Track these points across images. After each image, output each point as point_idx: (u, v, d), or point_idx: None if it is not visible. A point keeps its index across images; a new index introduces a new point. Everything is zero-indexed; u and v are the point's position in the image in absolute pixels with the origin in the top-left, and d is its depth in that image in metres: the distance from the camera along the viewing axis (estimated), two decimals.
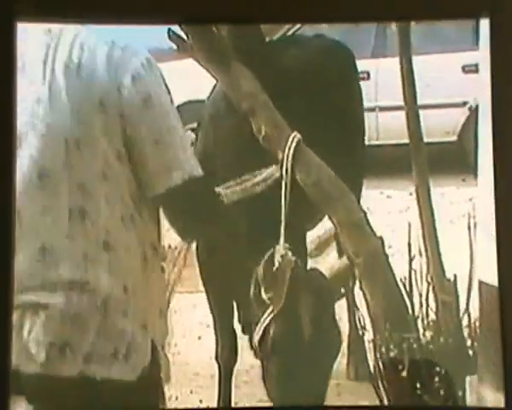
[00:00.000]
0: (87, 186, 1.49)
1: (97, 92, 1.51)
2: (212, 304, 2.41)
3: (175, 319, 2.18)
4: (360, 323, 2.58)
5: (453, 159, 3.52)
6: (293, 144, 2.21)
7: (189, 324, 2.31)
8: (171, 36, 2.29)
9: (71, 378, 1.48)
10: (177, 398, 2.33)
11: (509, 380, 1.55)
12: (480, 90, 2.33)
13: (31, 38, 1.57)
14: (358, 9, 1.63)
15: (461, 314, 2.42)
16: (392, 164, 2.94)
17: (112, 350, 1.49)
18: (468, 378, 2.27)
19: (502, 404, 2.15)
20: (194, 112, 2.67)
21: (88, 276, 1.48)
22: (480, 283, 2.28)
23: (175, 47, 2.34)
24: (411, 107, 2.52)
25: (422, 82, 2.56)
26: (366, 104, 2.63)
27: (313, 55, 2.53)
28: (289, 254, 2.05)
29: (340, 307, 2.85)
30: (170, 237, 1.76)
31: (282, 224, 2.12)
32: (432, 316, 2.43)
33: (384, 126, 3.13)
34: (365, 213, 2.41)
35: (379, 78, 2.98)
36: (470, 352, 2.39)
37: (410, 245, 2.45)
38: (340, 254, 2.47)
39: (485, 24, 2.28)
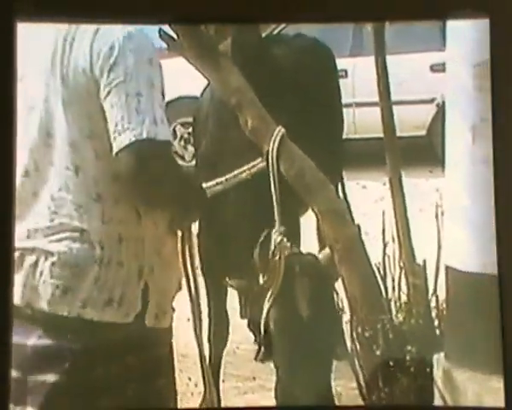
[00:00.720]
0: (77, 144, 1.56)
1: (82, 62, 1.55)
2: (208, 289, 2.45)
3: None
4: (338, 305, 2.59)
5: (423, 152, 3.60)
6: (278, 138, 2.24)
7: (179, 307, 2.34)
8: (162, 35, 2.30)
9: (71, 318, 1.58)
10: None
11: (509, 380, 1.54)
12: (446, 88, 2.40)
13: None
14: (350, 9, 1.63)
15: (429, 296, 2.47)
16: (368, 156, 3.00)
17: (106, 298, 1.57)
18: (435, 356, 2.33)
19: (466, 379, 2.21)
20: (185, 107, 2.70)
21: (84, 225, 1.56)
22: (447, 267, 2.34)
23: (165, 46, 2.35)
24: (385, 103, 2.58)
25: (395, 80, 2.60)
26: (344, 100, 2.70)
27: (296, 53, 2.58)
28: (284, 239, 2.08)
29: None
30: None
31: (275, 209, 2.15)
32: (403, 298, 2.48)
33: (360, 121, 3.19)
34: (348, 203, 2.48)
35: (356, 76, 3.02)
36: (437, 331, 2.45)
37: (384, 232, 2.50)
38: (321, 243, 2.55)
39: (452, 25, 2.28)
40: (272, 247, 2.06)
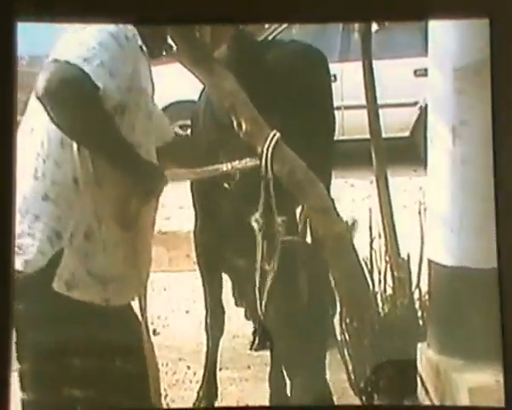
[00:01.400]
0: None
1: None
2: (205, 280, 2.47)
3: (164, 295, 2.26)
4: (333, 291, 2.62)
5: (407, 152, 3.64)
6: (273, 142, 2.23)
7: (178, 300, 2.39)
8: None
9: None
10: (167, 364, 2.44)
11: (509, 380, 1.52)
12: (428, 92, 2.45)
13: None
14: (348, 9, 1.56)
15: (413, 289, 2.51)
16: (355, 157, 3.03)
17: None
18: (419, 345, 2.38)
19: (447, 366, 2.23)
20: (183, 110, 2.74)
21: None
22: (429, 261, 2.40)
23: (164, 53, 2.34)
24: (372, 106, 2.62)
25: (380, 84, 2.64)
26: (333, 103, 2.69)
27: (290, 57, 2.59)
28: (260, 219, 2.08)
29: None
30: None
31: (273, 203, 2.15)
32: (389, 291, 2.52)
33: (348, 123, 3.24)
34: (333, 200, 2.43)
35: (344, 80, 3.07)
36: (421, 322, 2.49)
37: (370, 228, 2.53)
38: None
39: (433, 31, 2.32)
40: (269, 231, 2.10)
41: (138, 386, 1.70)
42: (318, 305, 2.17)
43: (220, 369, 2.64)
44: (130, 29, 1.68)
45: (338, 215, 2.42)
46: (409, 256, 2.50)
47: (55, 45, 1.67)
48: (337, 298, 2.46)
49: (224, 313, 2.58)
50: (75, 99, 1.55)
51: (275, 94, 2.40)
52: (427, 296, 2.46)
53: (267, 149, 2.23)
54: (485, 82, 2.17)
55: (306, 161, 2.34)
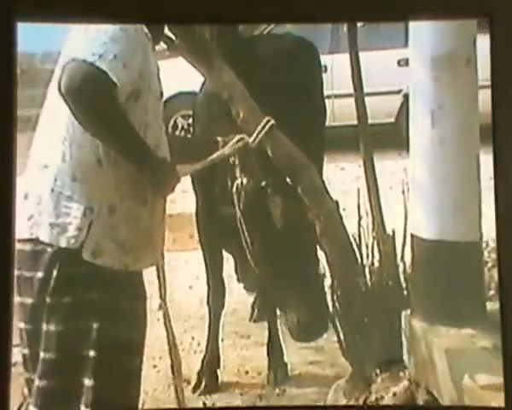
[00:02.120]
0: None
1: None
2: (207, 258, 2.56)
3: (169, 273, 2.35)
4: (320, 271, 2.67)
5: (392, 137, 3.70)
6: (267, 126, 2.32)
7: (182, 276, 2.48)
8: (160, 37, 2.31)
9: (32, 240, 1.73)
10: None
11: (509, 380, 1.51)
12: (410, 80, 2.52)
13: None
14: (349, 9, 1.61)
15: (398, 262, 2.58)
16: (345, 142, 3.09)
17: (52, 222, 1.69)
18: (403, 313, 2.48)
19: (428, 332, 2.30)
20: (184, 101, 2.80)
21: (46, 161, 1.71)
22: (412, 236, 2.51)
23: (165, 47, 2.44)
24: (359, 94, 2.65)
25: (367, 74, 2.67)
26: (324, 92, 2.77)
27: (284, 50, 2.67)
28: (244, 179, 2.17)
29: None
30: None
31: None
32: (376, 264, 2.58)
33: (338, 111, 3.30)
34: (324, 182, 2.55)
35: (334, 70, 3.11)
36: (405, 292, 2.57)
37: (359, 207, 2.60)
38: None
39: (413, 23, 2.39)
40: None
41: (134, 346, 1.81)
42: (295, 231, 2.25)
43: (222, 339, 2.74)
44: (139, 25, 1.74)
45: (329, 195, 2.55)
46: (394, 232, 2.58)
47: (68, 42, 1.74)
48: (327, 273, 2.57)
49: (224, 288, 2.69)
50: (94, 97, 1.64)
51: (270, 84, 2.48)
52: (410, 269, 2.55)
53: (259, 132, 2.30)
54: (458, 69, 2.34)
55: (300, 146, 2.45)
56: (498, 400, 1.86)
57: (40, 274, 1.71)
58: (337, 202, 2.52)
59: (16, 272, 1.74)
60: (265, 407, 2.53)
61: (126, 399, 1.79)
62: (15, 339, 1.73)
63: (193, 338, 2.78)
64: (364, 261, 2.58)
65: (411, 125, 2.47)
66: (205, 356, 2.68)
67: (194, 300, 2.37)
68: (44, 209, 1.71)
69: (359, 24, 2.74)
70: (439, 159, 2.35)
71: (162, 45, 2.41)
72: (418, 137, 2.42)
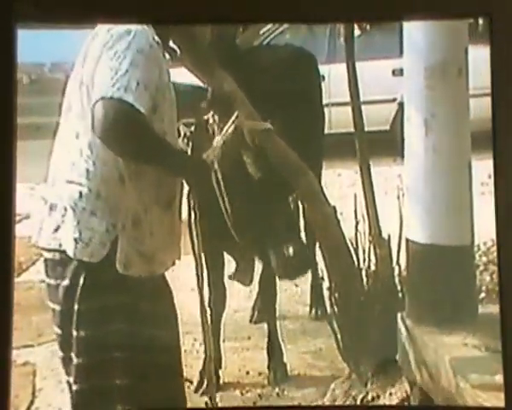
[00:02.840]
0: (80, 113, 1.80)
1: None
2: (208, 263, 2.47)
3: (172, 275, 2.38)
4: (319, 274, 2.83)
5: (387, 144, 3.73)
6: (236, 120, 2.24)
7: (184, 279, 2.52)
8: (166, 48, 2.21)
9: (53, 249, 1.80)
10: None
11: (509, 380, 1.42)
12: (404, 89, 2.57)
13: None
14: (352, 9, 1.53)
15: (393, 265, 2.62)
16: (342, 149, 3.10)
17: (76, 237, 1.76)
18: (399, 314, 2.51)
19: (423, 333, 2.32)
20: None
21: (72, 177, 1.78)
22: (407, 240, 2.54)
23: (168, 57, 2.38)
24: (355, 103, 2.69)
25: (363, 83, 2.72)
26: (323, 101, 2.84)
27: (284, 59, 2.72)
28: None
29: None
30: None
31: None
32: (372, 267, 2.62)
33: (335, 119, 3.34)
34: (322, 188, 2.61)
35: (331, 80, 3.16)
36: (400, 294, 2.62)
37: (355, 212, 2.64)
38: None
39: (408, 33, 2.44)
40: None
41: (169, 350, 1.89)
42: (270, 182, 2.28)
43: (224, 340, 2.79)
44: (150, 32, 1.81)
45: (326, 200, 2.58)
46: (389, 236, 2.61)
47: (88, 69, 1.79)
48: (325, 276, 2.62)
49: (225, 290, 2.73)
50: (127, 132, 1.72)
51: (270, 92, 2.50)
52: (405, 272, 2.59)
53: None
54: (450, 78, 2.38)
55: (299, 153, 2.46)
56: (492, 399, 1.90)
57: (66, 282, 1.78)
58: (334, 207, 2.55)
59: (46, 280, 1.82)
60: (265, 407, 2.55)
61: (167, 395, 1.85)
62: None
63: (195, 340, 2.81)
64: (361, 265, 2.61)
65: (406, 132, 2.51)
66: (206, 357, 2.56)
67: (196, 302, 2.39)
68: (69, 224, 1.77)
69: (356, 33, 2.79)
70: (432, 166, 2.39)
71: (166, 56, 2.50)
72: (412, 145, 2.46)
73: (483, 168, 2.11)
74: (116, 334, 1.78)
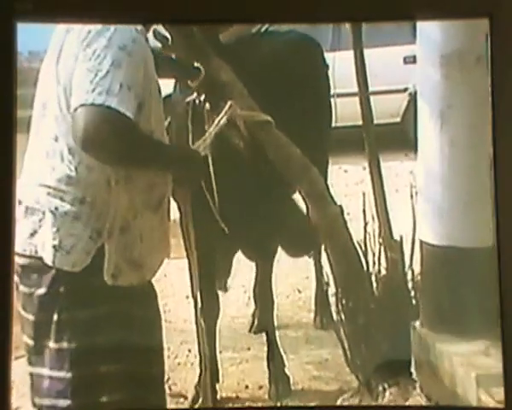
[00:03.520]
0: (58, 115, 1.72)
1: None
2: (197, 269, 2.35)
3: (165, 281, 2.29)
4: (324, 279, 2.70)
5: (397, 137, 3.64)
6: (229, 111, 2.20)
7: (178, 285, 2.42)
8: (157, 35, 2.25)
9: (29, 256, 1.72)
10: (169, 348, 2.41)
11: (509, 380, 1.51)
12: (417, 78, 2.49)
13: None
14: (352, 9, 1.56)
15: (406, 269, 2.53)
16: (348, 143, 3.01)
17: (56, 244, 1.66)
18: (412, 323, 2.42)
19: (439, 343, 2.25)
20: None
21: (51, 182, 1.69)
22: (421, 242, 2.45)
23: (160, 45, 2.30)
24: (363, 93, 2.61)
25: (371, 72, 2.64)
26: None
27: (287, 48, 2.60)
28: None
29: (309, 266, 2.96)
30: None
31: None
32: (383, 272, 2.53)
33: (341, 111, 3.25)
34: (327, 186, 2.51)
35: (336, 68, 3.08)
36: (414, 301, 2.52)
37: (364, 212, 2.55)
38: None
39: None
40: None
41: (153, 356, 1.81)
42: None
43: (220, 351, 2.66)
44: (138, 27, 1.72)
45: (332, 199, 2.48)
46: (401, 238, 2.53)
47: (65, 68, 1.68)
48: (331, 281, 2.52)
49: (218, 297, 2.59)
50: (113, 140, 1.63)
51: (271, 83, 2.40)
52: (419, 276, 2.49)
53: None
54: (468, 67, 2.27)
55: (303, 148, 2.36)
56: None
57: (42, 290, 1.68)
58: (341, 207, 2.45)
59: (20, 287, 1.72)
60: (265, 407, 2.49)
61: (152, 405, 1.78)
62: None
63: (189, 351, 2.70)
64: (370, 269, 2.53)
65: (419, 125, 2.42)
66: (201, 369, 2.56)
67: (191, 310, 2.29)
68: (48, 229, 1.68)
69: None
70: (448, 160, 2.30)
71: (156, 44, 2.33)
72: (426, 138, 2.37)
73: None
74: (103, 346, 1.68)
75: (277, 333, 2.69)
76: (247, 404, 2.60)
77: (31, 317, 1.70)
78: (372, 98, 2.62)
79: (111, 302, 1.70)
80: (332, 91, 2.81)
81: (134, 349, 1.72)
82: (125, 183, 1.71)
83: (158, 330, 1.82)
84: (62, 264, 1.66)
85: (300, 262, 2.89)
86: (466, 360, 2.17)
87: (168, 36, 2.33)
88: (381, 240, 2.56)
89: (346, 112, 3.14)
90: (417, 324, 2.41)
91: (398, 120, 4.03)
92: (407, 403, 2.35)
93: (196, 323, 2.38)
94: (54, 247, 1.66)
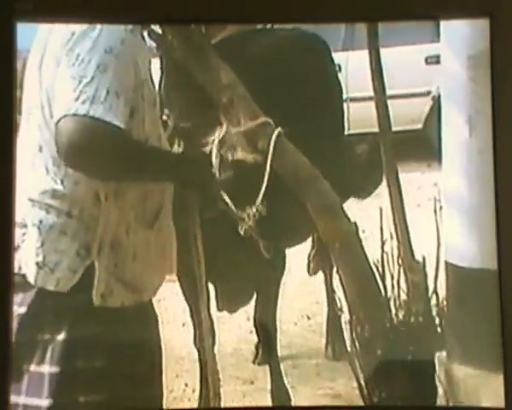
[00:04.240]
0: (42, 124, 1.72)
1: None
2: (188, 293, 2.37)
3: (160, 306, 2.19)
4: (337, 305, 2.57)
5: (419, 146, 3.53)
6: (274, 138, 2.21)
7: (173, 311, 2.35)
8: (151, 35, 2.22)
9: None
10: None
11: (509, 380, 1.56)
12: (441, 80, 2.41)
13: None
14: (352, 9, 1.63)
15: (429, 294, 2.43)
16: None
17: (39, 261, 1.63)
18: (437, 354, 2.34)
19: (468, 378, 2.20)
20: None
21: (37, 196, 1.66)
22: (446, 263, 2.37)
23: (154, 45, 2.29)
24: (380, 97, 2.55)
25: (389, 73, 2.58)
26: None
27: (291, 46, 2.54)
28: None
29: (319, 290, 2.89)
30: None
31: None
32: (403, 297, 2.43)
33: (354, 117, 3.15)
34: (340, 200, 2.40)
35: (349, 70, 3.01)
36: (439, 329, 2.41)
37: (381, 229, 2.44)
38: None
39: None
40: None
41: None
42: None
43: (222, 384, 2.51)
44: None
45: (345, 215, 2.38)
46: (424, 259, 2.41)
47: (47, 72, 1.64)
48: (345, 307, 2.42)
49: (212, 323, 2.48)
50: (100, 152, 1.58)
51: (275, 86, 2.35)
52: (445, 302, 2.38)
53: (269, 147, 2.19)
54: (499, 69, 2.16)
55: (312, 158, 2.29)
56: None
57: (23, 309, 1.64)
58: (355, 224, 2.36)
59: None
60: (266, 407, 2.49)
61: None
62: None
63: (186, 385, 2.59)
64: (389, 294, 2.41)
65: (444, 132, 2.32)
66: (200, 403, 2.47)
67: (188, 339, 2.22)
68: (31, 244, 1.64)
69: None
70: (478, 171, 2.18)
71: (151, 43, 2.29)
72: (453, 146, 2.27)
73: None
74: (88, 371, 1.63)
75: (283, 364, 2.61)
76: None
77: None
78: (390, 103, 2.55)
79: (96, 325, 1.64)
80: (345, 96, 2.73)
81: (120, 377, 1.66)
82: (114, 197, 1.66)
83: (153, 356, 1.77)
84: (45, 282, 1.61)
85: (309, 285, 2.82)
86: (500, 396, 1.95)
87: (160, 32, 2.27)
88: (400, 261, 2.45)
89: (360, 118, 3.08)
90: (443, 355, 2.31)
91: (419, 126, 3.94)
92: None
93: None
94: (37, 264, 1.62)
